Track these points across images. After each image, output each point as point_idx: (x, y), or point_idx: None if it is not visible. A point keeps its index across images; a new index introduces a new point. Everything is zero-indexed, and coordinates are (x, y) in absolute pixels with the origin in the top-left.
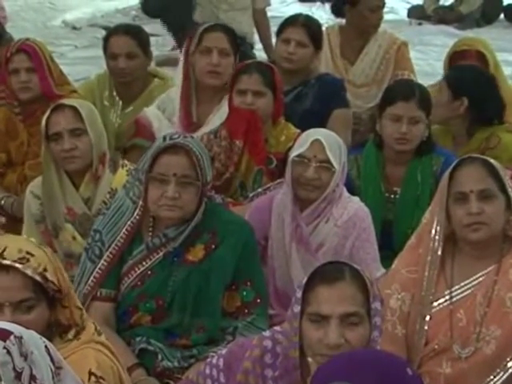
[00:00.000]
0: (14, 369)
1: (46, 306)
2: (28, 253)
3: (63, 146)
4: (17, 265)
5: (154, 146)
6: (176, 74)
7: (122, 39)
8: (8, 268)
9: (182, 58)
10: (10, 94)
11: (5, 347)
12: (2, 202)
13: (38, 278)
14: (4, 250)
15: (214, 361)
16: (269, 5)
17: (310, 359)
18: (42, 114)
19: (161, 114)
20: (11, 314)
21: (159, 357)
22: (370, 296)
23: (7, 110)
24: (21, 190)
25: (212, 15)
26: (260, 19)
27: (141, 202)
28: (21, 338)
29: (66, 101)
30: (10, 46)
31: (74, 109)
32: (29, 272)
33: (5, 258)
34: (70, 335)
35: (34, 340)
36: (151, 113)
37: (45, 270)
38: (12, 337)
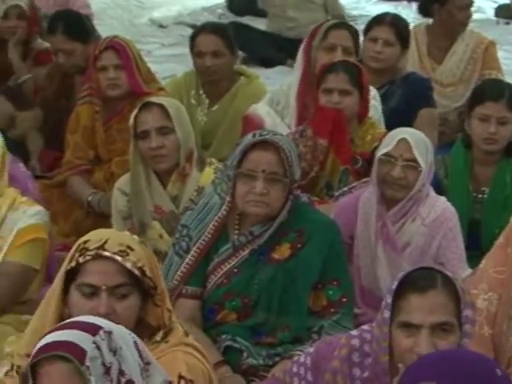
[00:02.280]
0: (103, 364)
1: (140, 301)
2: (128, 247)
3: (150, 144)
4: (116, 257)
5: (244, 141)
6: (294, 68)
7: (209, 38)
8: (108, 259)
9: (301, 53)
10: (96, 91)
11: (94, 342)
12: (90, 198)
13: (136, 271)
14: (105, 242)
15: (302, 359)
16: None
17: (400, 365)
18: (129, 112)
19: (272, 111)
20: (107, 297)
21: (245, 354)
22: (461, 304)
23: (93, 107)
24: (108, 187)
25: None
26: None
27: (228, 198)
28: (110, 333)
29: (154, 99)
30: (99, 44)
31: (162, 107)
32: (127, 265)
33: (105, 250)
34: (158, 337)
35: (123, 335)
36: (262, 109)
37: (143, 265)
38: (101, 332)
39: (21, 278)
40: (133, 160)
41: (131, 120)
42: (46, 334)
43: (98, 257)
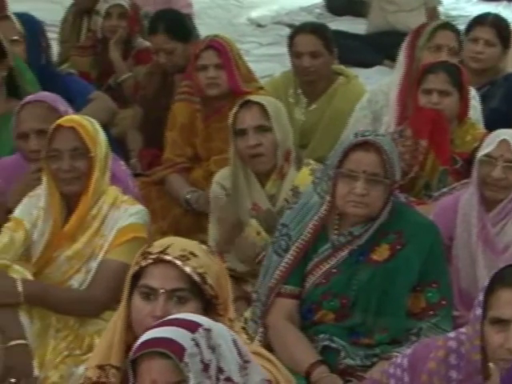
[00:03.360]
0: (202, 361)
1: (200, 309)
2: (191, 253)
3: (248, 142)
4: (177, 261)
5: (346, 141)
6: (396, 67)
7: (308, 38)
8: (168, 263)
9: (403, 52)
10: (196, 90)
11: (193, 339)
12: (188, 196)
13: (195, 277)
14: (168, 247)
15: (399, 360)
16: (440, 3)
17: (491, 364)
18: (228, 111)
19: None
20: (164, 301)
21: (342, 354)
22: None
23: (190, 105)
24: (206, 185)
25: (380, 16)
26: (431, 17)
27: (328, 198)
28: (209, 330)
29: (253, 97)
30: (199, 43)
31: (261, 106)
32: (187, 269)
33: (167, 254)
34: None
35: (222, 333)
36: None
37: (204, 272)
38: (201, 329)
39: (120, 276)
40: (232, 157)
41: (230, 118)
42: (147, 330)
43: (158, 260)
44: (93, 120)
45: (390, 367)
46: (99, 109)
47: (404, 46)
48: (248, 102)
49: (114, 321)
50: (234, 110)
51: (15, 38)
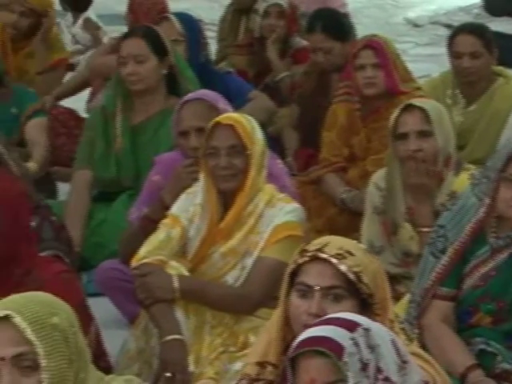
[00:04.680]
0: (361, 360)
1: (356, 308)
2: (348, 252)
3: (409, 146)
4: (332, 259)
5: (510, 145)
6: None
7: (468, 38)
8: (324, 261)
9: None
10: (354, 90)
11: (352, 338)
12: (343, 195)
13: (350, 275)
14: (325, 246)
15: None
16: None
17: None
18: (385, 111)
19: None
20: (320, 299)
21: (498, 358)
22: None
23: (349, 105)
24: (362, 185)
25: None
26: None
27: (488, 200)
28: (368, 330)
29: (415, 101)
30: (357, 42)
31: (423, 110)
32: (342, 268)
33: (323, 252)
34: None
35: (381, 333)
36: None
37: (360, 271)
38: (360, 329)
39: (275, 274)
40: (389, 160)
41: (392, 120)
42: (304, 328)
43: (315, 258)
44: (250, 118)
45: None
46: (258, 108)
47: None
48: (410, 106)
49: (273, 318)
50: (396, 113)
51: (176, 38)
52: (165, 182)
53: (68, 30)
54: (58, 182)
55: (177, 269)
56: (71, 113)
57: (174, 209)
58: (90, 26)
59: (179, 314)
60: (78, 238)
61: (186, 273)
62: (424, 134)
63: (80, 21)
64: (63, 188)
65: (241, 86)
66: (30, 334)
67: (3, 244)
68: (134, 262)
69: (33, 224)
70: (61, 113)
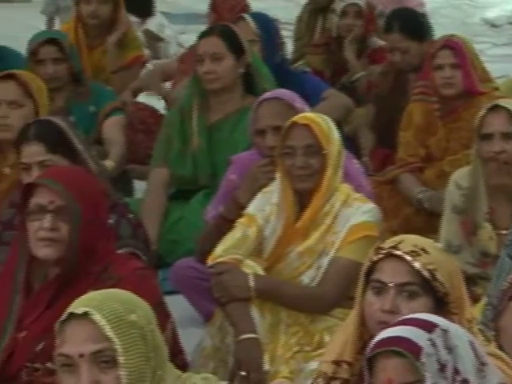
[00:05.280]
0: (439, 361)
1: (431, 306)
2: (422, 249)
3: (493, 147)
4: (407, 256)
5: None
6: None
7: None
8: (399, 258)
9: None
10: (432, 90)
11: (430, 339)
12: (420, 195)
13: (425, 272)
14: (400, 243)
15: None
16: None
17: None
18: (463, 111)
19: None
20: (394, 295)
21: None
22: None
23: (426, 105)
24: (439, 185)
25: None
26: None
27: None
28: (446, 331)
29: (503, 102)
30: (435, 42)
31: (509, 112)
32: (416, 265)
33: (398, 249)
34: None
35: (459, 334)
36: None
37: (434, 269)
38: (438, 329)
39: (351, 274)
40: (473, 159)
41: (477, 120)
42: (379, 326)
43: (389, 255)
44: (327, 118)
45: None
46: (333, 106)
47: None
48: (497, 106)
49: (350, 318)
50: (482, 112)
51: (251, 38)
52: (241, 181)
53: None
54: (135, 180)
55: (252, 268)
56: (150, 110)
57: (251, 208)
58: (148, 36)
59: (255, 312)
60: (154, 236)
61: (261, 272)
62: (508, 136)
63: (141, 29)
64: (139, 186)
65: (316, 85)
66: (108, 330)
67: (83, 241)
68: (210, 261)
69: (111, 221)
70: (140, 109)
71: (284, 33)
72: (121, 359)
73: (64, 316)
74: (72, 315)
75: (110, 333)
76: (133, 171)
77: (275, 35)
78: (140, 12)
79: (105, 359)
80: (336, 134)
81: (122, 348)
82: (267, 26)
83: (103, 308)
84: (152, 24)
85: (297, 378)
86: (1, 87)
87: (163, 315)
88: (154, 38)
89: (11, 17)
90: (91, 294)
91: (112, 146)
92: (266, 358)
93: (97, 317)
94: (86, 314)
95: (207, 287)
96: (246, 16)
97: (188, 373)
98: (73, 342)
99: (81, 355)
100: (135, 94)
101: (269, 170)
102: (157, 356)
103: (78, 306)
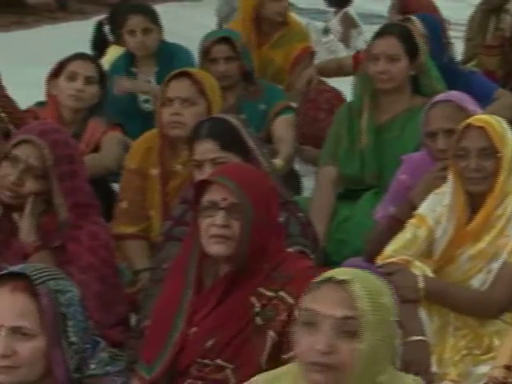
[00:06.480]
0: None
1: None
2: None
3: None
4: None
5: None
6: None
7: None
8: None
9: None
10: None
11: None
12: None
13: None
14: None
15: None
16: None
17: None
18: None
19: None
20: None
21: None
22: None
23: None
24: None
25: None
26: None
27: None
28: None
29: None
30: None
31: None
32: None
33: None
34: None
35: None
36: None
37: None
38: None
39: None
40: None
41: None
42: None
43: None
44: (501, 119)
45: None
46: (503, 106)
47: None
48: None
49: None
50: None
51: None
52: (412, 181)
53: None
54: (303, 162)
55: (421, 269)
56: (335, 92)
57: (422, 209)
58: (346, 20)
59: (423, 314)
60: (322, 235)
61: (430, 273)
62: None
63: (339, 15)
64: (308, 184)
65: (484, 85)
66: (365, 302)
67: (254, 238)
68: (380, 261)
69: (281, 219)
70: (326, 90)
71: (454, 33)
72: (365, 333)
73: (321, 278)
74: (330, 279)
75: (365, 304)
76: (304, 151)
77: (442, 36)
78: (338, 2)
79: (347, 328)
80: (510, 136)
81: (368, 323)
82: (434, 27)
83: (364, 282)
84: (352, 9)
85: (465, 381)
86: (175, 85)
87: None
88: (350, 23)
89: (182, 16)
90: (349, 269)
91: (281, 144)
92: (434, 360)
93: (357, 286)
94: (344, 282)
95: None
96: (413, 17)
97: (401, 373)
98: (324, 303)
99: (330, 316)
100: (309, 82)
101: (443, 176)
102: (388, 346)
103: (338, 273)
